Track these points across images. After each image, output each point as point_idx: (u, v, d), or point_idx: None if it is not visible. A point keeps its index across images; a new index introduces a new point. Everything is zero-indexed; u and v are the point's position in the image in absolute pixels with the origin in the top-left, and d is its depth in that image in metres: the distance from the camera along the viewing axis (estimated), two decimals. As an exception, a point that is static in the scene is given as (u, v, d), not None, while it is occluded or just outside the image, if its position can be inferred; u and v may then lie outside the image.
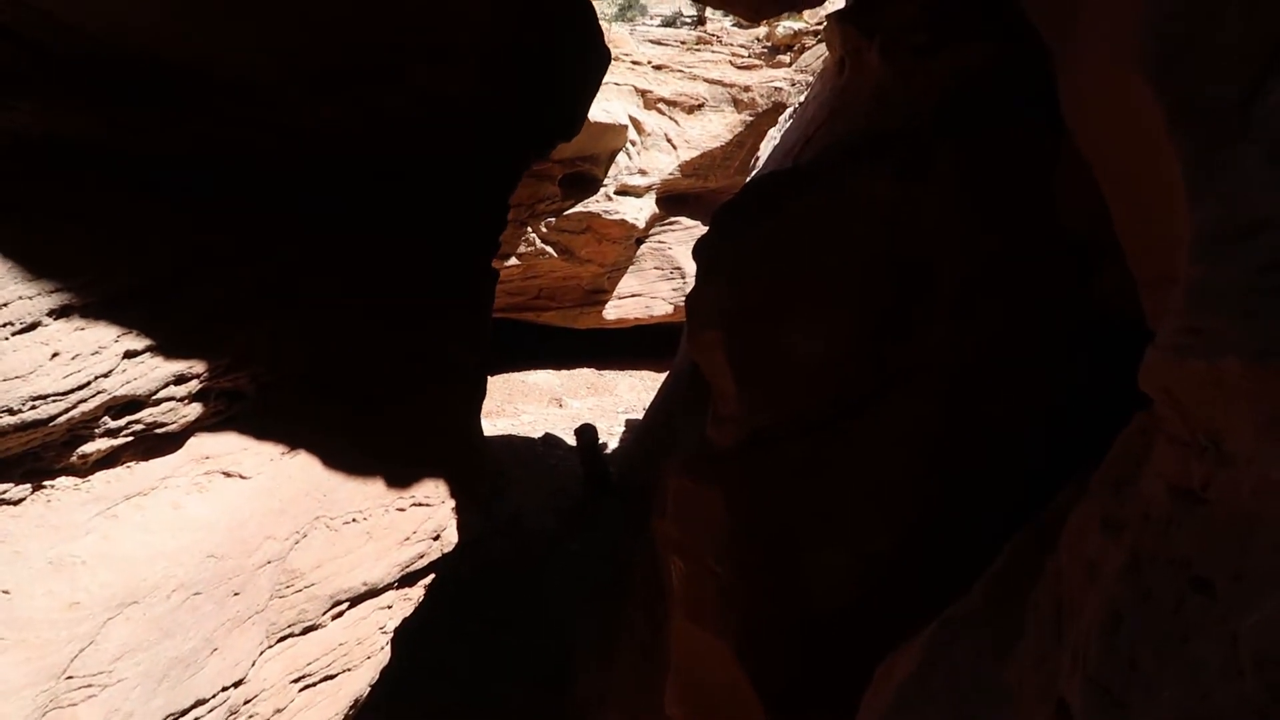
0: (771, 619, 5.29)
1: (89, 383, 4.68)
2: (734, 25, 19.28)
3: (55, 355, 4.54)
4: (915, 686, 3.37)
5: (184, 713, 5.04)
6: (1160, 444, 2.03)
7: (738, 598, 5.46)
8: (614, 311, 20.50)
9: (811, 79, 16.60)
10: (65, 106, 4.74)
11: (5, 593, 4.34)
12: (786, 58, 18.37)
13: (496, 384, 18.84)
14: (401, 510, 6.96)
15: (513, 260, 18.09)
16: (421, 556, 7.21)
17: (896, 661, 4.02)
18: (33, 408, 4.38)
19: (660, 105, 18.37)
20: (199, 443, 5.64)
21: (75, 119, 4.83)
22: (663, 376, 18.48)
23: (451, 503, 7.46)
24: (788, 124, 13.12)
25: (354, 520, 6.53)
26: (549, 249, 18.47)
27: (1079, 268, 4.29)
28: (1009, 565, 3.44)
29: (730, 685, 5.48)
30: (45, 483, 4.83)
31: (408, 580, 7.22)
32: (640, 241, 19.85)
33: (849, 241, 5.11)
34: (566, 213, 17.80)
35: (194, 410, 5.48)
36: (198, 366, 5.38)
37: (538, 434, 17.46)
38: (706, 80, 18.49)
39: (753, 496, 5.38)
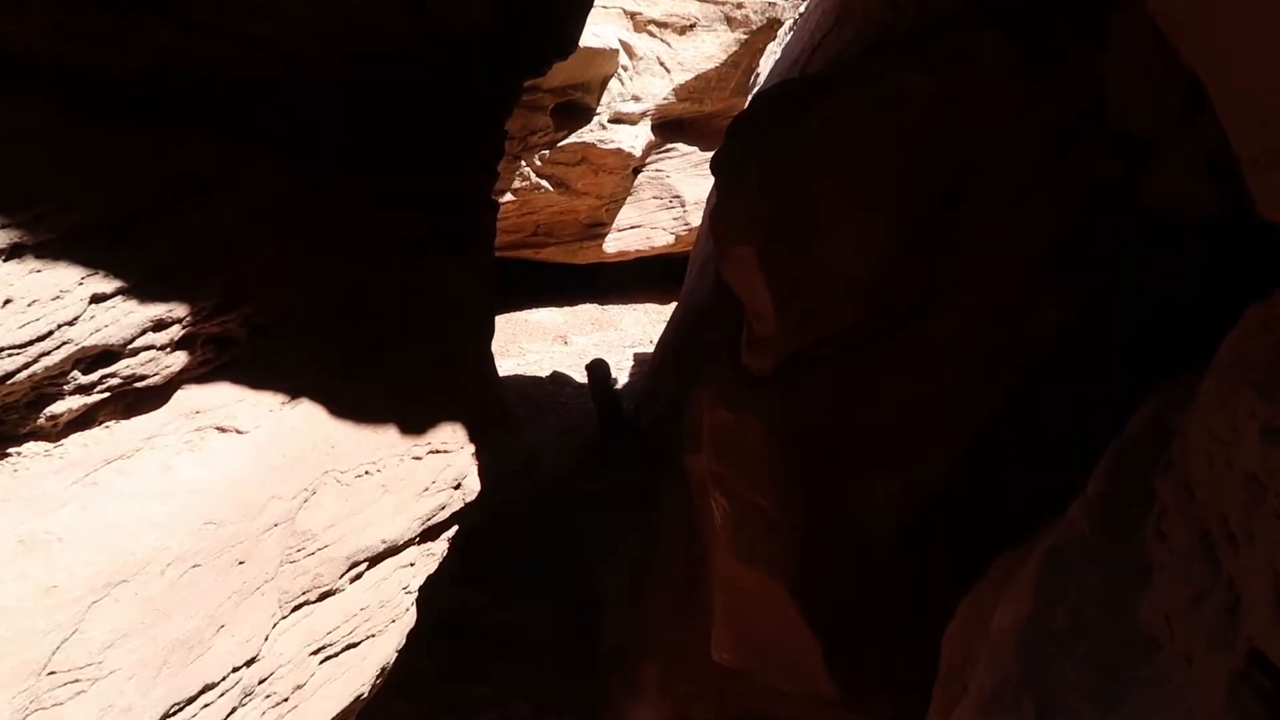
0: (824, 553, 5.09)
1: (51, 332, 4.05)
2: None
3: (8, 302, 3.89)
4: (1037, 631, 2.95)
5: (190, 700, 4.48)
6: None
7: (788, 533, 5.23)
8: (614, 244, 20.07)
9: (808, -9, 15.98)
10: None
11: (-32, 580, 3.77)
12: (780, -29, 17.65)
13: (499, 324, 18.65)
14: (418, 459, 6.39)
15: (508, 197, 17.54)
16: (443, 508, 6.65)
17: (986, 596, 3.69)
18: (-15, 364, 3.77)
19: (651, 27, 17.70)
20: (187, 396, 5.03)
21: (11, 25, 4.14)
22: (667, 309, 18.34)
23: (471, 448, 6.91)
24: (788, 37, 12.82)
25: (367, 473, 5.95)
26: (544, 183, 17.93)
27: (1128, 168, 4.03)
28: (1110, 489, 3.03)
29: (784, 625, 5.29)
30: (10, 450, 4.22)
31: (430, 534, 6.67)
32: (637, 171, 19.34)
33: (885, 141, 4.82)
34: (561, 144, 17.24)
35: (178, 359, 4.86)
36: (179, 310, 4.75)
37: (544, 373, 17.30)
38: (697, -1, 17.69)
39: (795, 423, 5.17)
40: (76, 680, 3.91)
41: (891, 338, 4.73)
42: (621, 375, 16.79)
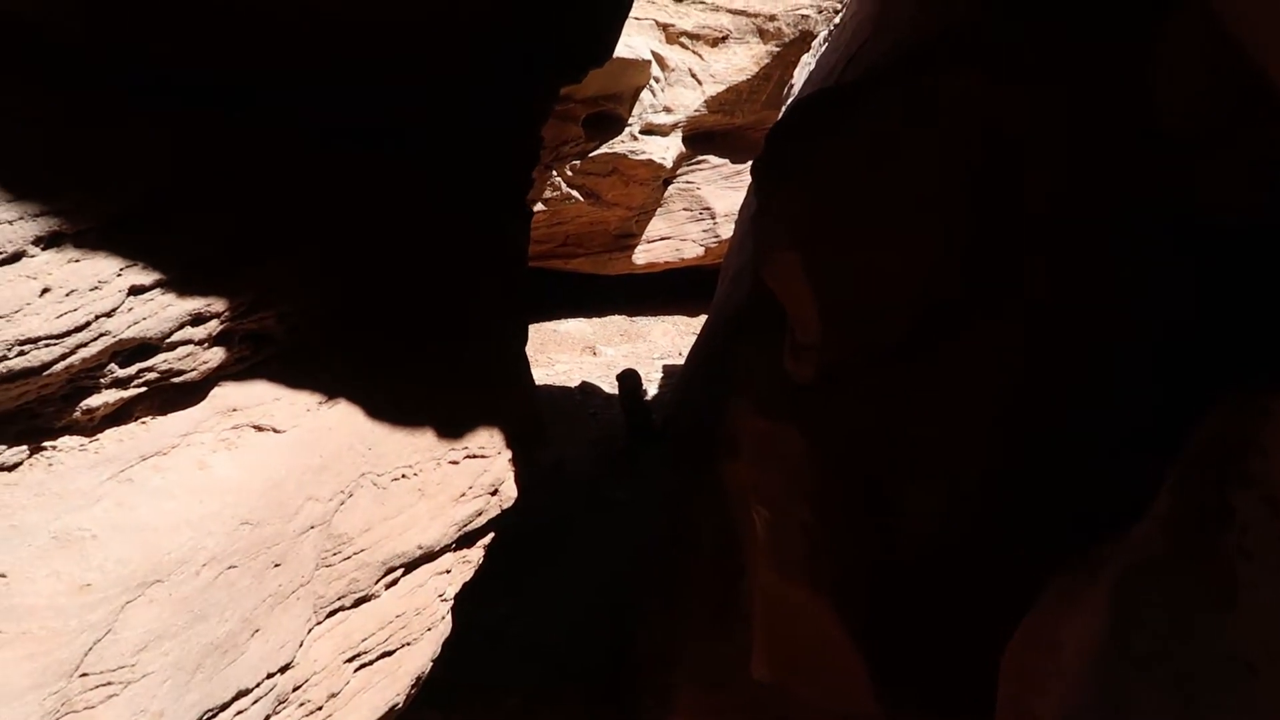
0: (867, 566, 4.90)
1: (89, 323, 3.94)
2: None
3: (46, 291, 3.78)
4: (1114, 654, 2.77)
5: (224, 706, 4.35)
6: None
7: (829, 545, 5.05)
8: (644, 256, 20.04)
9: (840, 5, 15.85)
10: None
11: (1, 576, 3.64)
12: (812, -16, 17.61)
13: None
14: (455, 463, 6.26)
15: (539, 206, 17.57)
16: (480, 514, 6.52)
17: (1049, 617, 3.53)
18: (21, 353, 3.65)
19: (683, 39, 17.70)
20: (224, 393, 4.92)
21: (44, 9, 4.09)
22: (697, 322, 18.28)
23: (508, 453, 6.78)
24: (822, 49, 12.72)
25: (403, 476, 5.82)
26: (575, 193, 17.98)
27: (1174, 172, 3.80)
28: (1182, 505, 2.86)
29: (827, 642, 5.09)
30: (45, 444, 4.10)
31: (466, 541, 6.54)
32: (668, 183, 19.35)
33: (930, 144, 4.66)
34: (591, 155, 17.27)
35: (216, 355, 4.76)
36: (217, 304, 4.64)
37: (573, 383, 17.31)
38: (730, 11, 17.67)
39: (837, 432, 5.00)
40: (109, 683, 3.79)
41: (934, 345, 4.56)
42: (651, 387, 16.72)
